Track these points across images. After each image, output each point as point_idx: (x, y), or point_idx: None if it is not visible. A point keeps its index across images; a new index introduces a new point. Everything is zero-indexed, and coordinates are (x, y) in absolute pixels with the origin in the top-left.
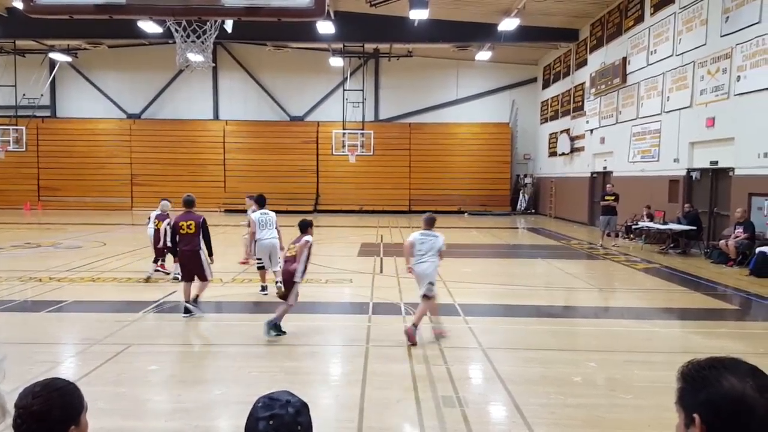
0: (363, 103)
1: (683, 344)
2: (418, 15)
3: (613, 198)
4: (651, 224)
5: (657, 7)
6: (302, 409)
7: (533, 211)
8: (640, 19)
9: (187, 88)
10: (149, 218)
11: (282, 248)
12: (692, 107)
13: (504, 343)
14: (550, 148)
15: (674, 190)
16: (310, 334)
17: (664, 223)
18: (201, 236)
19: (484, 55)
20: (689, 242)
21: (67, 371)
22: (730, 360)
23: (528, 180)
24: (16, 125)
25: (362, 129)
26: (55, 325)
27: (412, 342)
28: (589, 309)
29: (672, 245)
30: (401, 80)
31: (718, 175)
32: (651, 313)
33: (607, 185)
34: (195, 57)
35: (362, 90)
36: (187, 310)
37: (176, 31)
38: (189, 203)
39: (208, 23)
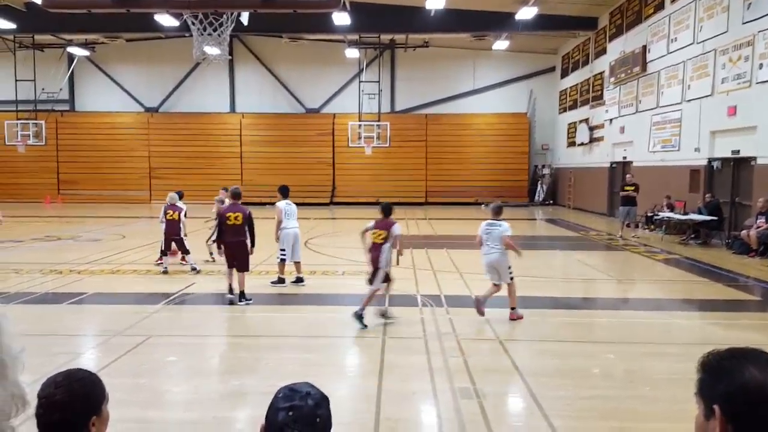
0: (379, 94)
1: (703, 335)
2: (435, 4)
3: (632, 188)
4: (671, 214)
5: None
6: (322, 401)
7: (551, 202)
8: (660, 6)
9: (204, 81)
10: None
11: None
12: (713, 96)
13: (521, 334)
14: (568, 138)
15: (695, 180)
16: (327, 325)
17: (685, 213)
18: (247, 228)
19: (501, 44)
20: (710, 233)
21: (87, 362)
22: (751, 351)
23: (546, 170)
24: (36, 119)
25: (378, 120)
26: (76, 316)
27: (519, 317)
28: (608, 300)
29: (693, 236)
30: (417, 71)
31: (739, 165)
32: (670, 304)
33: (627, 175)
34: (211, 50)
35: (378, 81)
36: (232, 302)
37: (193, 24)
38: (237, 195)
39: (224, 16)
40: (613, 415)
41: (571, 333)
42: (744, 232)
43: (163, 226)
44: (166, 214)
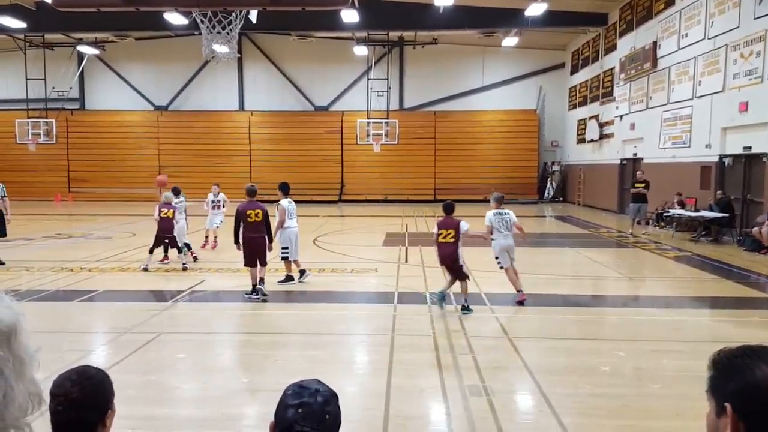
0: (387, 91)
1: (713, 333)
2: (443, 1)
3: (643, 185)
4: (682, 212)
5: None
6: (331, 398)
7: (561, 199)
8: (670, 2)
9: (213, 80)
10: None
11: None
12: (725, 92)
13: (531, 332)
14: (578, 134)
15: (706, 177)
16: (336, 323)
17: (696, 210)
18: (265, 225)
19: (510, 41)
20: (721, 230)
21: (97, 359)
22: (762, 348)
23: (555, 167)
24: (46, 118)
25: (387, 118)
26: (86, 314)
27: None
28: (618, 298)
29: (704, 233)
30: (426, 68)
31: (751, 161)
32: (681, 301)
33: (638, 172)
34: (220, 48)
35: (387, 79)
36: (263, 293)
37: (202, 22)
38: (252, 192)
39: (233, 14)
40: (623, 412)
41: (580, 330)
42: (755, 229)
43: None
44: (160, 212)
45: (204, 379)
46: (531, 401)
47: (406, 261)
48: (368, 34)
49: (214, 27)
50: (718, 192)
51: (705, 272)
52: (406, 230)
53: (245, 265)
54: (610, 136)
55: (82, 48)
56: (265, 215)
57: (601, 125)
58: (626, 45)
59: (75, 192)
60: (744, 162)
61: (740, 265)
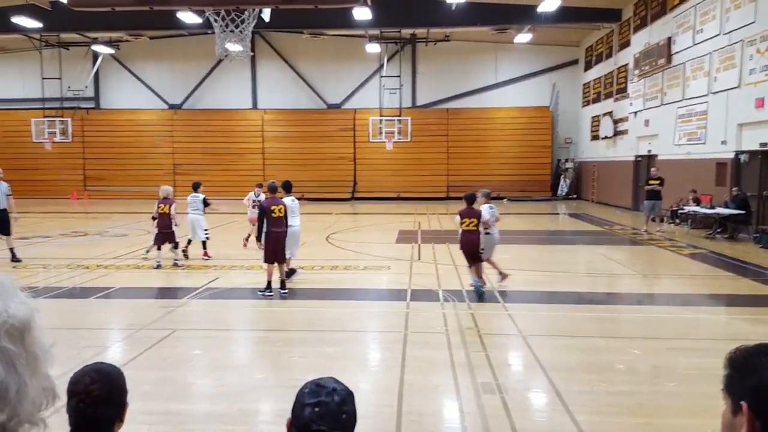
0: (400, 89)
1: (729, 331)
2: None
3: (658, 182)
4: (697, 209)
5: None
6: (347, 397)
7: (575, 196)
8: None
9: (226, 78)
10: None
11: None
12: (740, 87)
13: (544, 330)
14: (592, 131)
15: (722, 174)
16: (349, 320)
17: (711, 207)
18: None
19: (523, 37)
20: (737, 227)
21: (114, 356)
22: None
23: (569, 164)
24: (62, 117)
25: (399, 115)
26: (103, 311)
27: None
28: (633, 296)
29: (719, 230)
30: (439, 65)
31: (767, 158)
32: (696, 299)
33: (652, 169)
34: (234, 47)
35: (399, 76)
36: (283, 285)
37: (215, 21)
38: (274, 189)
39: (246, 12)
40: (638, 410)
41: (595, 328)
42: None
43: (156, 220)
44: (158, 207)
45: (219, 375)
46: (545, 399)
47: (419, 258)
48: (381, 32)
49: (227, 26)
50: (734, 189)
51: (720, 270)
52: (419, 228)
53: (265, 261)
54: (624, 132)
55: (96, 47)
56: (287, 210)
57: (615, 122)
58: (640, 41)
59: (90, 190)
60: (760, 158)
61: (756, 262)
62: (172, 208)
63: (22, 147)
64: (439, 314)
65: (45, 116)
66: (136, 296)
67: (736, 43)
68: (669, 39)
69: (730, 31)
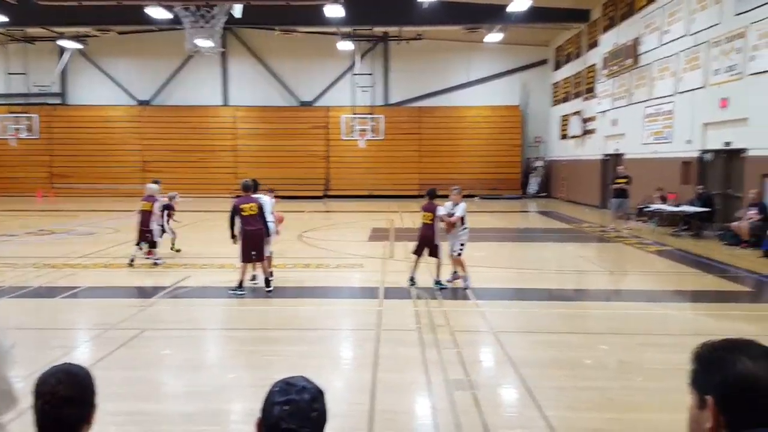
0: (373, 87)
1: (695, 327)
2: None
3: (625, 180)
4: (663, 206)
5: None
6: (318, 395)
7: (544, 194)
8: None
9: (197, 74)
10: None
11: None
12: (705, 88)
13: (515, 326)
14: (561, 130)
15: (687, 172)
16: (322, 318)
17: (677, 205)
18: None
19: (494, 37)
20: (702, 224)
21: (82, 356)
22: (744, 342)
23: (539, 163)
24: (28, 113)
25: (372, 113)
26: (70, 310)
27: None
28: (601, 292)
29: (684, 227)
30: (411, 64)
31: (731, 157)
32: (663, 295)
33: (619, 167)
34: (204, 42)
35: (372, 74)
36: (267, 284)
37: (185, 16)
38: (247, 188)
39: (216, 8)
40: (607, 405)
41: (564, 324)
42: (735, 223)
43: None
44: (141, 204)
45: (190, 374)
46: (515, 395)
47: (392, 256)
48: (353, 30)
49: (197, 21)
50: (699, 187)
51: (686, 266)
52: (392, 225)
53: (242, 261)
54: (592, 132)
55: (63, 42)
56: (260, 208)
57: (584, 121)
58: (608, 41)
59: (57, 188)
60: (724, 157)
61: (721, 259)
62: (156, 206)
63: None
64: (411, 312)
65: (10, 112)
66: (105, 296)
67: (701, 44)
68: (636, 39)
69: (696, 32)
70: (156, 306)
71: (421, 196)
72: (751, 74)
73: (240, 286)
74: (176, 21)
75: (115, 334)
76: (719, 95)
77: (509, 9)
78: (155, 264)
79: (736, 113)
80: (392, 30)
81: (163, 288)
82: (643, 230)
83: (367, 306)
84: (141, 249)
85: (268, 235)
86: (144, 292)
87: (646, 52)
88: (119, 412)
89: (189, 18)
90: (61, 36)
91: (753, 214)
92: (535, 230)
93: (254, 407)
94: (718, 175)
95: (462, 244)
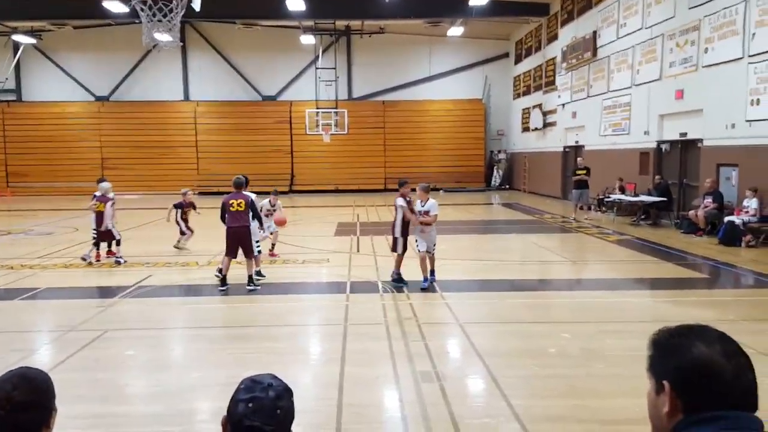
0: (336, 81)
1: (654, 313)
2: None
3: (584, 172)
4: (622, 197)
5: None
6: (284, 393)
7: (507, 186)
8: None
9: (156, 69)
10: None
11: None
12: (661, 80)
13: (480, 317)
14: (523, 123)
15: (645, 163)
16: (288, 314)
17: (635, 195)
18: (250, 215)
19: (455, 30)
20: (660, 213)
21: (42, 359)
22: (698, 327)
23: (502, 156)
24: None
25: (336, 108)
26: (29, 312)
27: None
28: (563, 281)
29: (643, 217)
30: (374, 57)
31: (687, 147)
32: (623, 283)
33: (578, 159)
34: (162, 36)
35: (335, 68)
36: (250, 281)
37: (141, 10)
38: (239, 185)
39: (174, 1)
40: (571, 392)
41: (528, 314)
42: (692, 212)
43: (93, 216)
44: (95, 205)
45: (155, 375)
46: (482, 385)
47: (358, 250)
48: (315, 23)
49: (154, 15)
50: (657, 177)
51: (645, 255)
52: (358, 220)
53: (226, 254)
54: (553, 124)
55: (17, 37)
56: (249, 205)
57: (545, 114)
58: (567, 35)
59: (13, 187)
60: (680, 147)
61: (678, 247)
62: (109, 206)
63: None
64: (378, 305)
65: None
66: (65, 296)
67: (657, 37)
68: (594, 33)
69: (652, 26)
70: (118, 306)
71: (387, 191)
72: (705, 66)
73: (223, 281)
74: (134, 15)
75: (76, 336)
76: (675, 87)
77: (470, 3)
78: (117, 263)
79: (691, 104)
80: (355, 24)
81: (125, 288)
82: (603, 220)
83: (334, 301)
84: (98, 250)
85: (261, 227)
86: (106, 292)
87: (604, 45)
88: (85, 415)
89: (146, 11)
90: (15, 31)
91: (709, 202)
92: (498, 222)
93: (221, 406)
94: (674, 165)
95: (434, 243)
